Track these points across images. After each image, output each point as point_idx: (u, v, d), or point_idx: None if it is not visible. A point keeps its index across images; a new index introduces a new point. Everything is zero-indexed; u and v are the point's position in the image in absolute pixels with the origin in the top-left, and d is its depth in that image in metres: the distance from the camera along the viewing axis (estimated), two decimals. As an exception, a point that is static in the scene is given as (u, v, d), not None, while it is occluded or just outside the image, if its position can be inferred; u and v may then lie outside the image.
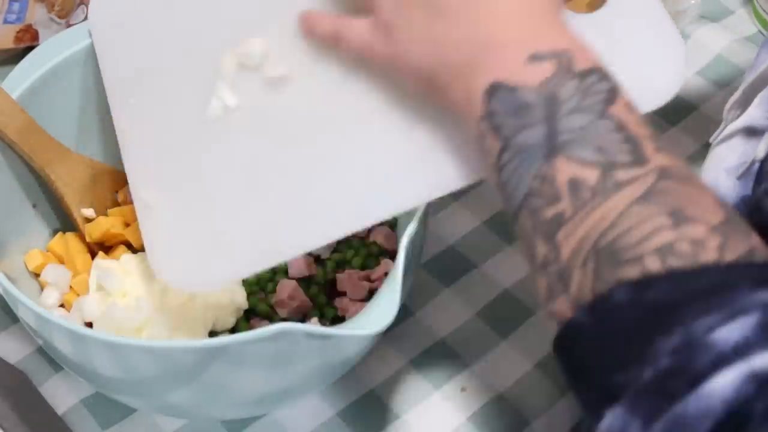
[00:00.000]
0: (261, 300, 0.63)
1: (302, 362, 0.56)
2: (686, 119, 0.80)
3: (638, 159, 0.43)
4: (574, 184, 0.43)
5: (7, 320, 0.68)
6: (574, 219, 0.42)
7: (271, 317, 0.63)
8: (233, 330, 0.62)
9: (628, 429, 0.38)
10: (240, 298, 0.62)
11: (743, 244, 0.40)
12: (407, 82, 0.53)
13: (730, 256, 0.39)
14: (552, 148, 0.44)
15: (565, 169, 0.43)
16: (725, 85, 0.82)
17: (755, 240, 0.41)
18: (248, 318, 0.63)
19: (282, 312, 0.63)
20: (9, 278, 0.56)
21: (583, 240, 0.42)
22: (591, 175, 0.43)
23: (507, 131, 0.46)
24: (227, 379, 0.55)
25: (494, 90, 0.47)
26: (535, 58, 0.46)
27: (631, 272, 0.40)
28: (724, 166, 0.55)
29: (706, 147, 0.78)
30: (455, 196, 0.74)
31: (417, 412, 0.64)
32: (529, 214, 0.45)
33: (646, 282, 0.39)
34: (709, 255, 0.39)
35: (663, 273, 0.39)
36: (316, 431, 0.63)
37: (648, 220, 0.41)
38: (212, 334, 0.60)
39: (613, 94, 0.45)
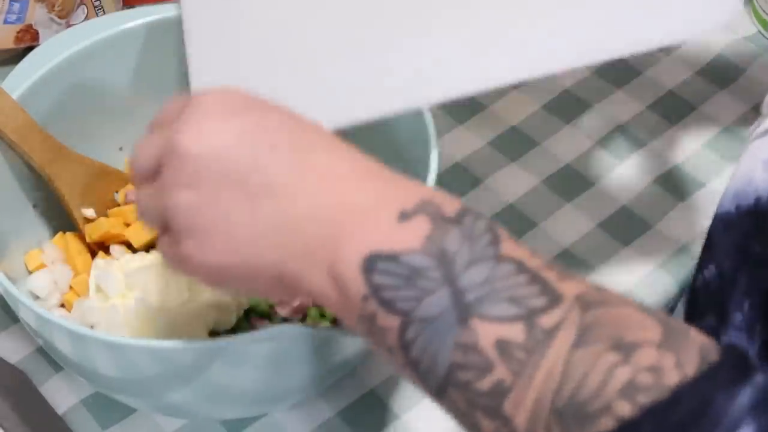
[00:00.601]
0: (261, 300, 0.63)
1: (302, 362, 0.56)
2: (686, 119, 0.80)
3: (553, 298, 0.39)
4: (503, 347, 0.38)
5: (7, 320, 0.68)
6: (517, 385, 0.38)
7: (271, 317, 0.63)
8: (233, 330, 0.62)
9: None
10: (240, 299, 0.62)
11: (694, 351, 0.38)
12: (245, 290, 0.47)
13: (690, 369, 0.37)
14: (463, 311, 0.39)
15: (486, 332, 0.39)
16: (725, 85, 0.82)
17: (698, 338, 0.39)
18: (248, 318, 0.63)
19: (282, 312, 0.63)
20: (9, 278, 0.56)
21: (537, 405, 0.38)
22: (516, 332, 0.38)
23: (404, 305, 0.40)
24: (227, 379, 0.55)
25: (372, 262, 0.41)
26: (404, 216, 0.41)
27: (606, 424, 0.36)
28: (762, 158, 0.54)
29: (706, 146, 0.78)
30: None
31: (417, 412, 0.64)
32: (460, 389, 0.39)
33: (626, 429, 0.36)
34: (672, 377, 0.37)
35: (639, 414, 0.36)
36: (316, 431, 0.63)
37: (597, 362, 0.37)
38: (212, 334, 0.60)
39: (494, 232, 0.41)
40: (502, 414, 0.38)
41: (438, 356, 0.40)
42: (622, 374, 0.37)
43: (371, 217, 0.42)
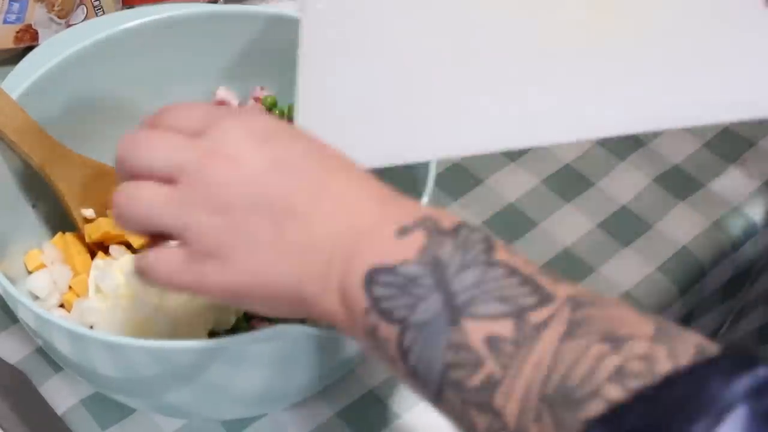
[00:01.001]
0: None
1: (302, 362, 0.56)
2: (686, 119, 0.80)
3: (544, 297, 0.40)
4: (492, 342, 0.40)
5: (7, 320, 0.68)
6: (507, 377, 0.39)
7: (270, 318, 0.63)
8: (233, 330, 0.62)
9: None
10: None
11: (689, 344, 0.38)
12: (261, 308, 0.47)
13: (684, 359, 0.37)
14: (454, 312, 0.40)
15: (476, 330, 0.40)
16: (725, 85, 0.82)
17: (695, 337, 0.39)
18: (248, 318, 0.63)
19: (282, 312, 0.63)
20: (8, 278, 0.56)
21: (526, 395, 0.38)
22: (505, 328, 0.39)
23: (400, 313, 0.42)
24: (227, 379, 0.55)
25: (372, 276, 0.43)
26: (403, 231, 0.43)
27: (595, 408, 0.37)
28: None
29: (706, 146, 0.78)
30: (455, 196, 0.75)
31: (417, 412, 0.64)
32: (454, 388, 0.40)
33: (616, 412, 0.36)
34: (664, 365, 0.37)
35: (629, 397, 0.36)
36: (316, 431, 0.63)
37: (586, 352, 0.38)
38: (212, 334, 0.60)
39: (489, 241, 0.42)
40: (493, 407, 0.39)
41: (432, 359, 0.41)
42: (612, 361, 0.37)
43: (375, 234, 0.44)
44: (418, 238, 0.43)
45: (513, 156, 0.77)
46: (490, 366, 0.39)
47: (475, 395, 0.40)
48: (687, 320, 0.73)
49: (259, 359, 0.54)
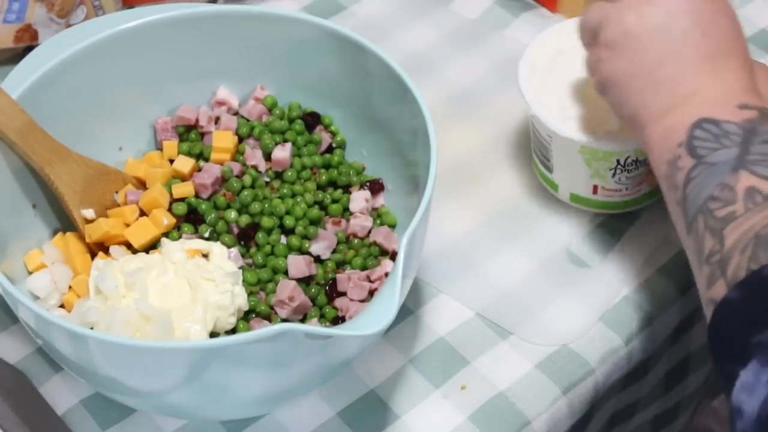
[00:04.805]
0: (261, 300, 0.63)
1: (302, 362, 0.56)
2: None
3: None
4: (750, 192, 0.51)
5: (7, 320, 0.68)
6: (743, 216, 0.50)
7: (270, 317, 0.63)
8: (233, 331, 0.62)
9: (760, 379, 0.46)
10: (240, 299, 0.62)
11: None
12: (610, 100, 0.61)
13: None
14: (739, 164, 0.52)
15: (745, 180, 0.51)
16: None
17: None
18: (248, 318, 0.63)
19: (282, 312, 0.63)
20: (9, 278, 0.56)
21: (746, 231, 0.50)
22: (766, 187, 0.50)
23: (702, 152, 0.54)
24: (227, 380, 0.55)
25: (701, 122, 0.55)
26: (743, 107, 0.55)
27: None
28: None
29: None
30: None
31: (417, 412, 0.64)
32: (704, 215, 0.53)
33: None
34: None
35: None
36: (316, 431, 0.63)
37: None
38: (212, 334, 0.60)
39: None
40: (721, 234, 0.51)
41: (703, 189, 0.53)
42: None
43: (723, 101, 0.56)
44: (751, 114, 0.54)
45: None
46: (738, 205, 0.51)
47: (716, 222, 0.52)
48: (687, 321, 0.73)
49: (259, 359, 0.54)
